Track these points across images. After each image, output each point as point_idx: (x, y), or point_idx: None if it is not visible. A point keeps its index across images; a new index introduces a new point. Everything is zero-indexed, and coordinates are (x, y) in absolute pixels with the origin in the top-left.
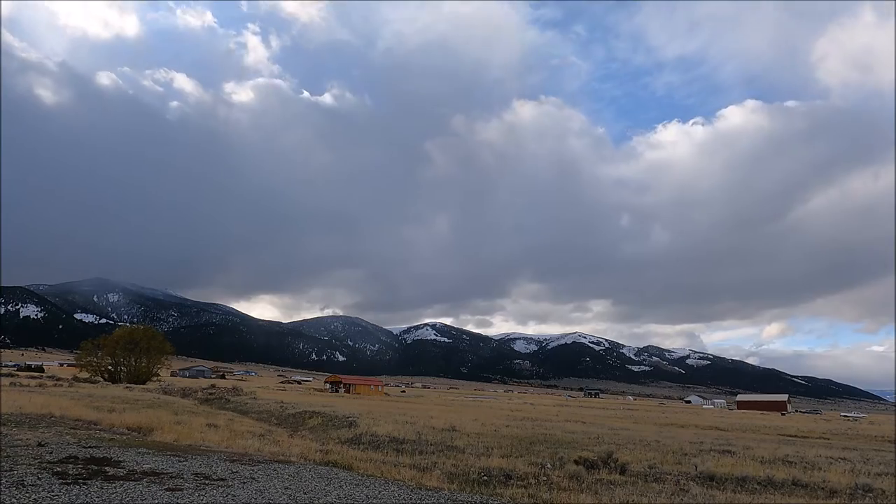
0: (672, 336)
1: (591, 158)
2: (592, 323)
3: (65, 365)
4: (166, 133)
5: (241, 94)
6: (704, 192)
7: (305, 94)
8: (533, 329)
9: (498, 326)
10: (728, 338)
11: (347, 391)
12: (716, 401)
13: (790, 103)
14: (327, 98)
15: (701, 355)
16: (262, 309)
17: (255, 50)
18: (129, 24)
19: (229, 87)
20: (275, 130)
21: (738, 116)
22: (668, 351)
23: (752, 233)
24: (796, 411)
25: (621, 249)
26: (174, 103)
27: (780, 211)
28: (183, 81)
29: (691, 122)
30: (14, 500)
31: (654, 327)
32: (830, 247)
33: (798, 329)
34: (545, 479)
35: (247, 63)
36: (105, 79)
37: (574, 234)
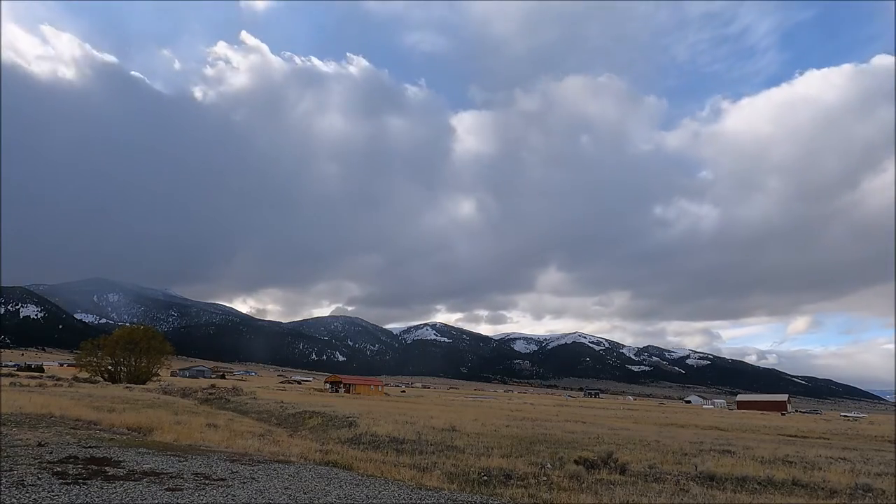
0: (691, 334)
1: (620, 129)
2: (610, 319)
3: (65, 365)
4: (155, 111)
5: (226, 55)
6: (753, 173)
7: (288, 54)
8: (546, 327)
9: (515, 322)
10: (749, 334)
11: (347, 391)
12: (716, 401)
13: (880, 58)
14: (320, 63)
15: (701, 355)
16: (266, 305)
17: (243, 8)
18: None
19: (209, 54)
20: (268, 103)
21: (816, 79)
22: (668, 351)
23: (797, 220)
24: (796, 411)
25: (654, 236)
26: (156, 73)
27: (833, 194)
28: (162, 51)
29: (740, 92)
30: (14, 500)
31: (677, 325)
32: (881, 233)
33: (822, 324)
34: (545, 479)
35: (233, 23)
36: (92, 58)
37: (606, 220)
